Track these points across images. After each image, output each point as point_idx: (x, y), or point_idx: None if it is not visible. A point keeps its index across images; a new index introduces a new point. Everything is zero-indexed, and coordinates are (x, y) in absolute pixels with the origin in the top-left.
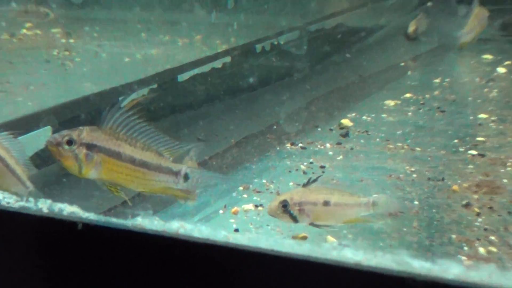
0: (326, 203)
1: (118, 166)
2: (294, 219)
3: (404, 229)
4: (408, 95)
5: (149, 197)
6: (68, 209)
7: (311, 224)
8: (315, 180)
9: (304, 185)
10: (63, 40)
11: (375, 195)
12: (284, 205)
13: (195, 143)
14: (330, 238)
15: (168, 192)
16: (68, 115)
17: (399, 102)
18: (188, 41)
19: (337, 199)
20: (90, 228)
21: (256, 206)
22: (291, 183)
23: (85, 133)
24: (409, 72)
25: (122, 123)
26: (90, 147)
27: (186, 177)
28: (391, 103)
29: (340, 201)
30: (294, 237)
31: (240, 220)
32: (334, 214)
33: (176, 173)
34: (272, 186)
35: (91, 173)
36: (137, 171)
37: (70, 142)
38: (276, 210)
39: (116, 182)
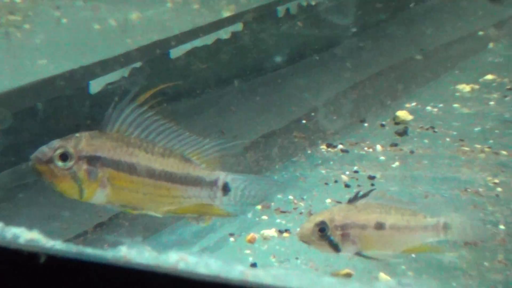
0: (379, 226)
1: (132, 182)
2: (335, 248)
3: (486, 264)
4: (489, 77)
5: (133, 219)
6: (26, 236)
7: (358, 254)
8: (365, 195)
9: (350, 201)
10: None
11: (446, 216)
12: (322, 229)
13: (234, 140)
14: (383, 275)
15: (204, 211)
16: (20, 105)
17: (476, 86)
18: (180, 1)
19: (395, 221)
20: (56, 262)
21: (280, 231)
22: (328, 200)
23: (84, 142)
24: (490, 45)
25: (134, 123)
26: (92, 160)
27: (225, 188)
28: (465, 88)
29: (399, 223)
30: (334, 275)
31: (258, 251)
32: (391, 241)
33: (211, 184)
34: (302, 204)
35: (97, 195)
36: (159, 186)
37: (64, 157)
38: (311, 235)
39: (131, 205)
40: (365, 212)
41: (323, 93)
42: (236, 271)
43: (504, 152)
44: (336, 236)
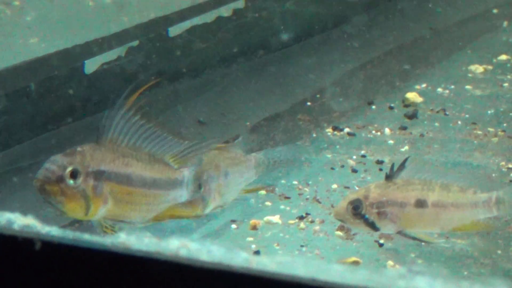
0: (420, 204)
1: (130, 194)
2: (372, 226)
3: (499, 252)
4: (503, 57)
5: None
6: (20, 221)
7: (401, 233)
8: (401, 167)
9: (388, 177)
10: None
11: (498, 190)
12: (355, 207)
13: (213, 139)
14: (391, 264)
15: (177, 214)
16: (12, 85)
17: (490, 67)
18: None
19: (439, 197)
20: (53, 248)
21: (285, 218)
22: (334, 186)
23: (88, 157)
24: (505, 23)
25: (124, 130)
26: (97, 175)
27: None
28: (478, 68)
29: (443, 200)
30: (341, 263)
31: (262, 239)
32: (436, 219)
33: (181, 183)
34: (307, 189)
35: (99, 211)
36: (149, 195)
37: (75, 174)
38: (345, 213)
39: (124, 217)
40: (404, 189)
41: (329, 73)
42: (240, 258)
43: None
44: (371, 214)
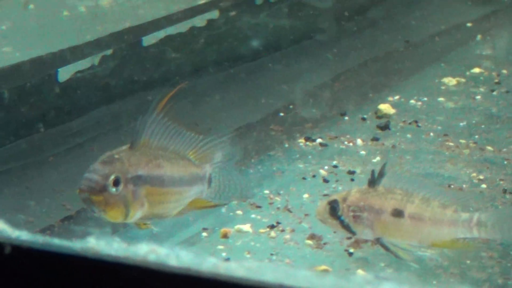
0: (397, 213)
1: (162, 194)
2: (348, 229)
3: (468, 262)
4: (476, 70)
5: None
6: None
7: (378, 242)
8: (382, 174)
9: (371, 183)
10: None
11: (482, 211)
12: (332, 208)
13: (225, 133)
14: (361, 273)
15: (197, 206)
16: None
17: (463, 80)
18: None
19: (416, 210)
20: (23, 253)
21: (256, 227)
22: (305, 195)
23: (126, 163)
24: (478, 37)
25: (155, 132)
26: (136, 180)
27: (209, 180)
28: (451, 81)
29: (420, 213)
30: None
31: (232, 247)
32: (412, 231)
33: (203, 179)
34: (278, 198)
35: (136, 214)
36: (177, 192)
37: (116, 182)
38: (324, 213)
39: (156, 215)
40: (383, 197)
41: (302, 84)
42: (208, 264)
43: (489, 148)
44: (347, 217)
